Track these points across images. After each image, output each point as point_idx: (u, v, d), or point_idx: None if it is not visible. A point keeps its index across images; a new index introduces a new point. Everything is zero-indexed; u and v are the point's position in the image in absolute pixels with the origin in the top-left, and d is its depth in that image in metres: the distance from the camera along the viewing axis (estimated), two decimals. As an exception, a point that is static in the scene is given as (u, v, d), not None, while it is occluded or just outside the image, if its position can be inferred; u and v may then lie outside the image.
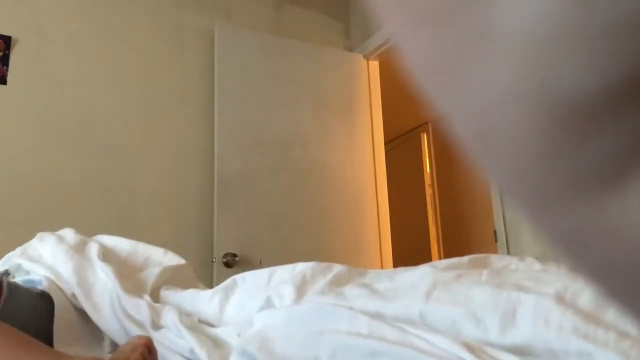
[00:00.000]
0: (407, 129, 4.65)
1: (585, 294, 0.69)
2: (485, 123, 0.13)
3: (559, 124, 0.11)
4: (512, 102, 0.12)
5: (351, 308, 0.79)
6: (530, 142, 0.12)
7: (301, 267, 0.99)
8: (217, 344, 0.86)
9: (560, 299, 0.68)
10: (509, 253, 2.61)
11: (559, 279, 0.73)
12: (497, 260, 1.01)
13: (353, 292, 0.85)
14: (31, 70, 2.52)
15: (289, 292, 0.92)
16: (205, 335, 0.88)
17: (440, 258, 4.14)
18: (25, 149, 2.44)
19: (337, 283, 0.94)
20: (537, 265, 0.92)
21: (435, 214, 4.49)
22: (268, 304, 0.93)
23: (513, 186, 0.14)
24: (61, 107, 2.54)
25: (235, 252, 2.58)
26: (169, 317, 0.94)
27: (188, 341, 0.86)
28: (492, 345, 0.67)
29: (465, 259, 0.99)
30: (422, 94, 0.15)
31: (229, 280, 1.03)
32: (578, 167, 0.12)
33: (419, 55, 0.14)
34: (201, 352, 0.82)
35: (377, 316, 0.77)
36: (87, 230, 2.46)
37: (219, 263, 2.52)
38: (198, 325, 0.93)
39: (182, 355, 0.86)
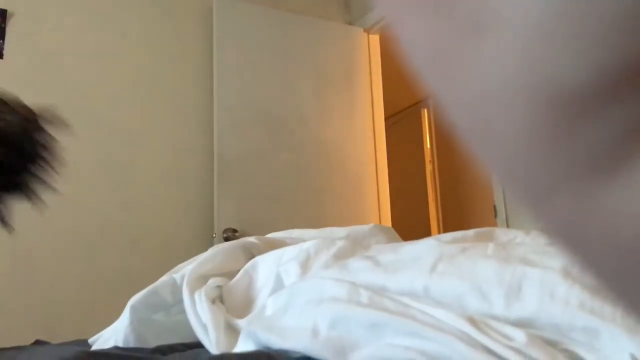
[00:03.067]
0: (408, 104, 4.62)
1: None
2: (482, 113, 0.13)
3: (556, 113, 0.11)
4: (509, 92, 0.12)
5: (353, 283, 0.79)
6: (526, 132, 0.12)
7: (306, 245, 1.00)
8: (229, 327, 0.86)
9: (566, 273, 0.68)
10: (508, 228, 2.61)
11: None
12: (503, 233, 1.01)
13: (356, 265, 0.85)
14: (27, 44, 2.49)
15: (294, 268, 0.93)
16: (222, 314, 0.88)
17: (439, 233, 4.16)
18: (22, 124, 2.42)
19: (341, 256, 0.94)
20: (543, 239, 0.92)
21: (435, 189, 4.49)
22: (277, 281, 0.93)
23: (510, 176, 0.14)
24: (57, 81, 2.51)
25: (235, 227, 2.58)
26: (186, 292, 0.95)
27: (205, 318, 0.86)
28: (497, 319, 0.67)
29: (470, 232, 0.99)
30: (419, 80, 0.15)
31: (250, 263, 1.03)
32: (574, 157, 0.12)
33: (416, 43, 0.14)
34: (212, 331, 0.83)
35: (380, 290, 0.76)
36: (85, 206, 2.46)
37: (219, 238, 2.52)
38: (219, 304, 0.94)
39: (198, 330, 0.86)
